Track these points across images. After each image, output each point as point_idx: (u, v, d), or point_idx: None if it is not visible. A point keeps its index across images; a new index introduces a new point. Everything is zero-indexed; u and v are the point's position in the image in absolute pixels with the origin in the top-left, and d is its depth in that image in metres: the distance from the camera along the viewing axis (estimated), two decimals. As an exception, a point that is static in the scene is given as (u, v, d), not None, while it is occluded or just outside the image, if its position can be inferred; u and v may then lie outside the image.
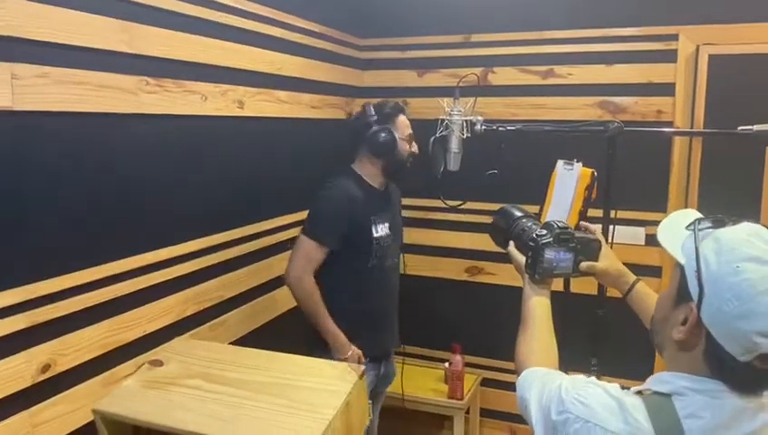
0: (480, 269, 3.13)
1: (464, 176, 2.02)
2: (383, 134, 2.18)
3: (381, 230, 2.23)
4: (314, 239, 2.14)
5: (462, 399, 2.84)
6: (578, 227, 1.60)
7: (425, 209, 3.14)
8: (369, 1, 3.11)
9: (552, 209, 1.85)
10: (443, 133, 2.02)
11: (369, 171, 2.25)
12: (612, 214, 1.83)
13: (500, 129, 1.97)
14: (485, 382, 3.13)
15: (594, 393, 0.93)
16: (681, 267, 0.91)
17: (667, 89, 2.72)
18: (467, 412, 2.99)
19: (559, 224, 1.31)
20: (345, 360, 2.08)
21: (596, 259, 1.37)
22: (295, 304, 2.22)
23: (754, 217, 2.60)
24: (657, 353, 1.00)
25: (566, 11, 2.84)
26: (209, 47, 2.02)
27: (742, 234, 0.86)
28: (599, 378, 1.77)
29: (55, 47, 1.47)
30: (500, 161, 1.94)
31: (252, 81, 2.26)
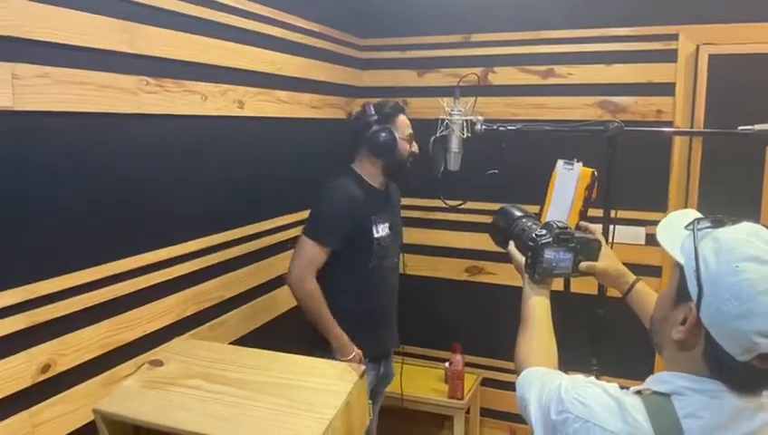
0: (480, 269, 3.13)
1: (464, 176, 2.02)
2: (383, 134, 2.18)
3: (382, 230, 2.23)
4: (316, 240, 2.13)
5: (462, 398, 2.84)
6: (578, 227, 1.61)
7: (425, 209, 3.14)
8: (370, 1, 3.11)
9: (553, 209, 1.85)
10: (443, 133, 2.02)
11: (369, 171, 2.25)
12: (612, 214, 1.83)
13: (500, 128, 1.97)
14: (486, 382, 3.13)
15: (593, 393, 0.93)
16: (680, 267, 0.91)
17: (667, 89, 2.72)
18: (468, 412, 2.99)
19: (558, 224, 1.31)
20: (349, 362, 2.08)
21: (596, 259, 1.37)
22: (295, 303, 2.22)
23: (755, 216, 2.60)
24: (657, 353, 1.00)
25: (566, 11, 2.84)
26: (209, 47, 2.02)
27: (741, 234, 0.86)
28: (599, 378, 1.77)
29: (56, 47, 1.47)
30: (500, 161, 1.94)
31: (252, 81, 2.26)
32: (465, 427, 2.95)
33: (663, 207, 2.73)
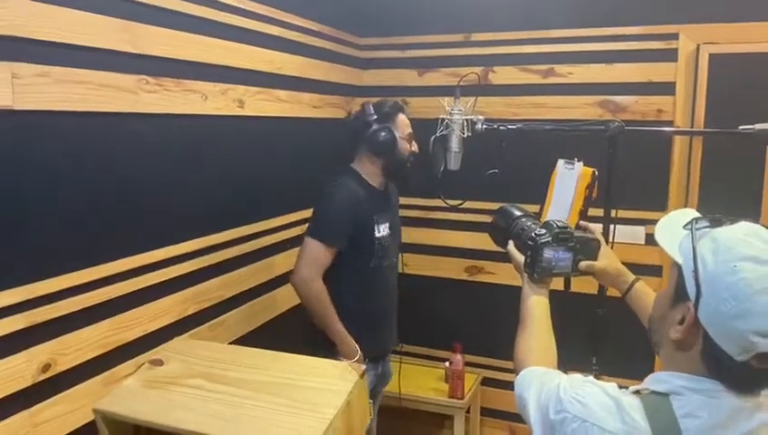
0: (480, 268, 3.13)
1: (464, 175, 2.02)
2: (383, 133, 2.17)
3: (383, 230, 2.23)
4: (321, 241, 2.11)
5: (462, 398, 2.84)
6: (578, 227, 1.61)
7: (425, 209, 3.14)
8: (370, 0, 3.11)
9: (553, 209, 1.86)
10: (443, 132, 2.02)
11: (368, 170, 2.24)
12: (613, 213, 1.83)
13: (500, 128, 1.98)
14: (486, 382, 3.13)
15: (592, 393, 0.93)
16: (678, 267, 0.91)
17: (667, 88, 2.72)
18: (468, 412, 2.99)
19: (558, 223, 1.31)
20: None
21: (595, 258, 1.38)
22: (295, 303, 2.22)
23: (755, 216, 2.61)
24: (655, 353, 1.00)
25: (566, 10, 2.84)
26: (209, 46, 2.02)
27: (739, 233, 0.86)
28: (598, 377, 1.77)
29: (55, 46, 1.47)
30: (500, 161, 1.94)
31: (252, 80, 2.26)
32: (466, 426, 2.95)
33: (663, 207, 2.73)
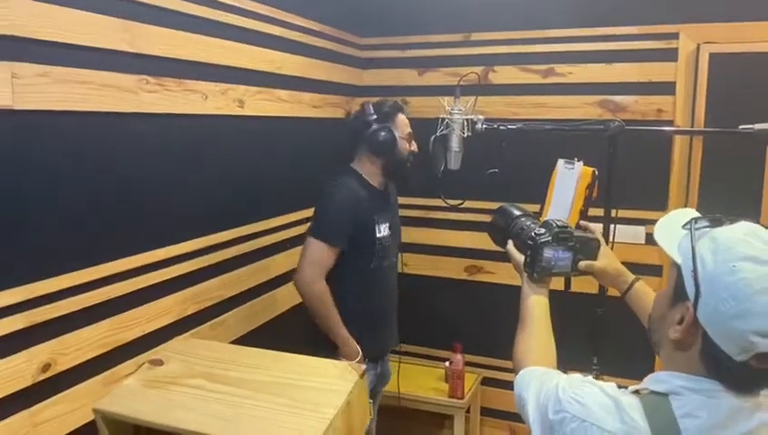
0: (480, 268, 3.13)
1: (464, 175, 2.02)
2: (383, 133, 2.17)
3: (383, 230, 2.22)
4: (324, 241, 2.10)
5: (462, 398, 2.84)
6: (578, 226, 1.61)
7: (425, 208, 3.14)
8: (370, 0, 3.11)
9: (553, 208, 1.86)
10: (443, 132, 2.02)
11: (368, 170, 2.24)
12: (613, 213, 1.83)
13: (501, 127, 1.98)
14: (486, 381, 3.13)
15: (591, 392, 0.93)
16: (678, 267, 0.91)
17: (667, 88, 2.72)
18: (468, 411, 2.99)
19: (557, 223, 1.31)
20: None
21: (594, 258, 1.38)
22: (294, 303, 2.22)
23: (755, 216, 2.61)
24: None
25: (566, 10, 2.84)
26: (210, 46, 2.02)
27: (738, 233, 0.85)
28: (599, 377, 1.77)
29: (56, 46, 1.47)
30: (500, 160, 1.94)
31: (252, 80, 2.26)
32: (466, 426, 2.95)
33: (663, 207, 2.73)
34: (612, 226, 1.83)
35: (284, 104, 2.49)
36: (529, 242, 1.30)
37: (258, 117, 2.31)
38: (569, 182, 1.85)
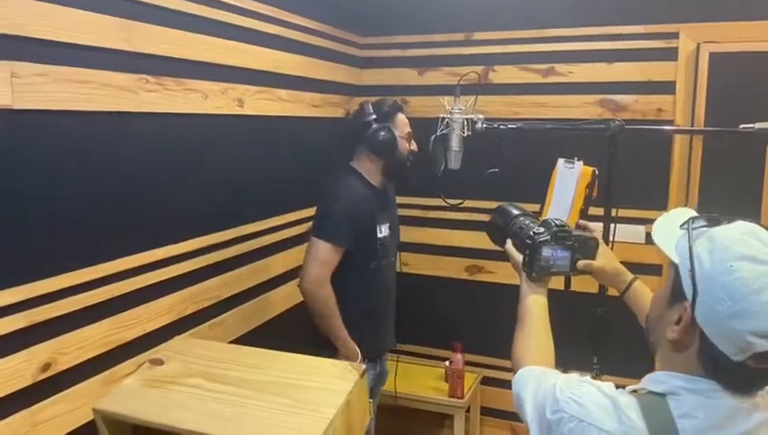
0: (480, 268, 3.13)
1: (464, 174, 2.02)
2: (383, 133, 2.16)
3: (384, 230, 2.22)
4: (329, 241, 2.08)
5: (462, 397, 2.84)
6: (577, 226, 1.60)
7: (425, 208, 3.14)
8: (370, -1, 3.11)
9: (553, 208, 1.85)
10: (444, 132, 2.02)
11: (368, 170, 2.24)
12: (613, 212, 1.83)
13: (501, 127, 1.98)
14: (486, 381, 3.13)
15: (588, 392, 0.92)
16: (675, 266, 0.90)
17: (667, 87, 2.72)
18: (468, 411, 2.99)
19: (556, 222, 1.31)
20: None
21: (593, 257, 1.37)
22: (294, 303, 2.21)
23: (755, 215, 2.61)
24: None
25: (567, 9, 2.84)
26: (209, 45, 2.02)
27: (736, 233, 0.85)
28: (599, 377, 1.77)
29: (55, 45, 1.47)
30: (501, 160, 1.94)
31: (252, 79, 2.25)
32: (466, 426, 2.95)
33: (663, 206, 2.73)
34: (612, 225, 1.82)
35: (284, 104, 2.49)
36: (527, 241, 1.30)
37: (258, 116, 2.31)
38: (569, 181, 1.85)
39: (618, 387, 0.93)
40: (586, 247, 1.36)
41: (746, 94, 2.54)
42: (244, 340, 2.22)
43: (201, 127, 2.01)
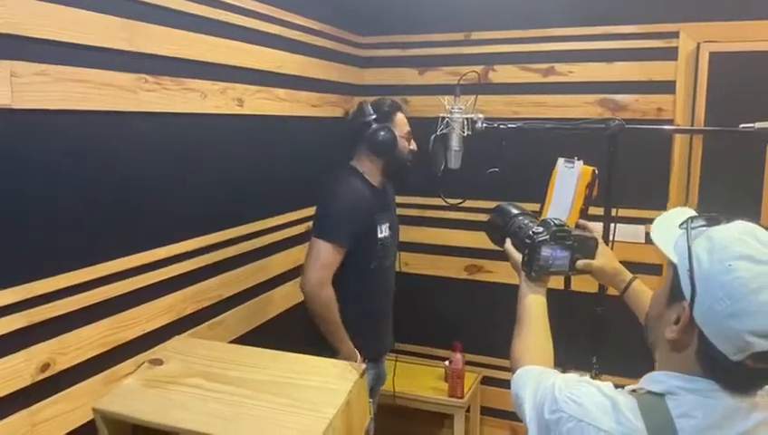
0: (480, 267, 3.13)
1: (464, 174, 2.01)
2: (383, 132, 2.16)
3: (384, 231, 2.22)
4: (330, 241, 2.06)
5: (462, 397, 2.84)
6: (577, 226, 1.60)
7: (425, 207, 3.14)
8: (370, -1, 3.11)
9: (553, 207, 1.85)
10: (443, 131, 2.02)
11: (368, 169, 2.23)
12: (613, 212, 1.83)
13: (501, 126, 1.97)
14: (486, 381, 3.13)
15: (587, 392, 0.92)
16: (674, 266, 0.90)
17: (667, 86, 2.72)
18: (468, 411, 2.99)
19: (555, 221, 1.31)
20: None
21: (592, 257, 1.37)
22: (293, 303, 2.21)
23: (755, 215, 2.61)
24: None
25: (567, 8, 2.83)
26: (209, 45, 2.01)
27: (734, 232, 0.85)
28: (599, 376, 1.77)
29: (54, 45, 1.47)
30: (501, 159, 1.93)
31: (251, 78, 2.25)
32: (466, 425, 2.95)
33: (663, 206, 2.73)
34: (612, 225, 1.82)
35: (284, 103, 2.49)
36: (527, 241, 1.30)
37: (257, 116, 2.31)
38: (569, 181, 1.85)
39: (617, 387, 0.93)
40: (585, 247, 1.36)
41: (746, 94, 2.54)
42: (243, 340, 2.22)
43: (200, 126, 2.01)
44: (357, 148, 2.23)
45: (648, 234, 2.73)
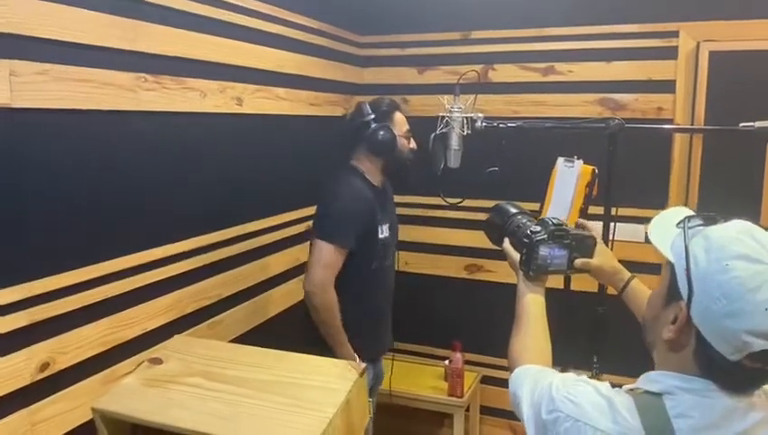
0: (479, 267, 3.13)
1: (464, 173, 2.02)
2: (382, 132, 2.14)
3: (385, 231, 2.21)
4: (332, 242, 2.04)
5: (462, 396, 2.84)
6: (576, 225, 1.60)
7: (424, 207, 3.14)
8: (370, -2, 3.11)
9: (553, 207, 1.85)
10: (443, 130, 2.02)
11: (368, 169, 2.23)
12: (613, 211, 1.83)
13: (500, 126, 1.98)
14: (485, 380, 3.13)
15: (584, 392, 0.92)
16: (671, 266, 0.90)
17: (667, 86, 2.72)
18: (467, 410, 2.99)
19: (554, 221, 1.31)
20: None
21: (591, 256, 1.37)
22: (293, 302, 2.20)
23: (755, 214, 2.61)
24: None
25: (566, 8, 2.83)
26: (208, 44, 2.01)
27: (732, 231, 0.85)
28: (599, 376, 1.77)
29: (54, 44, 1.47)
30: (500, 158, 1.94)
31: (251, 78, 2.25)
32: (465, 425, 2.95)
33: (663, 205, 2.73)
34: (612, 224, 1.82)
35: (283, 102, 2.48)
36: (525, 240, 1.29)
37: (257, 115, 2.31)
38: (569, 180, 1.85)
39: (615, 386, 0.93)
40: (583, 246, 1.36)
41: (746, 93, 2.54)
42: (243, 339, 2.22)
43: (200, 126, 2.01)
44: (356, 148, 2.23)
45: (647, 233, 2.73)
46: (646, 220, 2.87)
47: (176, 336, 1.88)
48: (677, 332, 0.88)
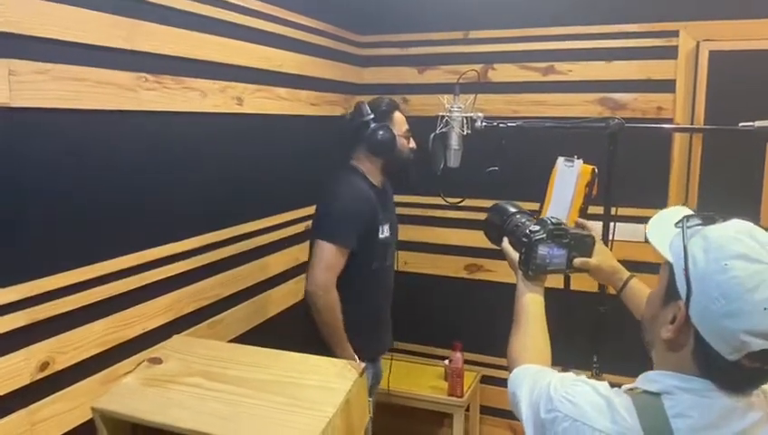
0: (479, 266, 3.13)
1: (464, 173, 2.01)
2: (381, 132, 2.14)
3: (385, 231, 2.21)
4: (333, 242, 2.03)
5: (462, 396, 2.84)
6: (576, 224, 1.60)
7: (424, 206, 3.14)
8: (370, -2, 3.11)
9: (553, 206, 1.85)
10: (443, 130, 2.02)
11: (368, 169, 2.23)
12: (613, 211, 1.83)
13: (500, 125, 1.98)
14: (485, 380, 3.13)
15: (583, 392, 0.92)
16: (670, 265, 0.90)
17: (667, 85, 2.72)
18: (467, 410, 2.99)
19: (553, 220, 1.31)
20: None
21: (590, 255, 1.37)
22: (293, 302, 2.20)
23: (755, 213, 2.61)
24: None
25: (566, 7, 2.83)
26: (208, 44, 2.01)
27: (730, 231, 0.85)
28: (599, 375, 1.77)
29: (54, 43, 1.47)
30: (500, 158, 1.93)
31: (251, 77, 2.25)
32: (465, 425, 2.95)
33: (663, 204, 2.72)
34: (612, 223, 1.82)
35: (283, 102, 2.48)
36: (524, 239, 1.29)
37: (257, 115, 2.31)
38: (568, 180, 1.85)
39: (613, 386, 0.93)
40: (582, 245, 1.36)
41: (746, 92, 2.53)
42: (243, 339, 2.22)
43: (200, 125, 2.01)
44: (356, 148, 2.22)
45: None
46: (646, 220, 2.87)
47: (175, 336, 1.88)
48: (676, 331, 0.88)
